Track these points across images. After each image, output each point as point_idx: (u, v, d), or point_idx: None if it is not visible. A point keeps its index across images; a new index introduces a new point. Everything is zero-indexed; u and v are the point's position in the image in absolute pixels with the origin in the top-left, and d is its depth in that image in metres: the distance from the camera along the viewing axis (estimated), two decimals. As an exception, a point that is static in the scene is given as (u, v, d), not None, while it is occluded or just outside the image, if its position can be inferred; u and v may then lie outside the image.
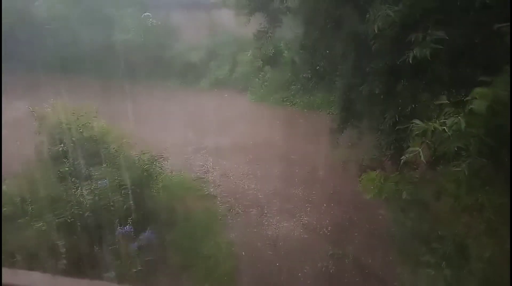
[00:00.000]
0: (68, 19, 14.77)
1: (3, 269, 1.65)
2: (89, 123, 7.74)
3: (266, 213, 8.57)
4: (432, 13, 4.89)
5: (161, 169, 8.23)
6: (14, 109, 12.12)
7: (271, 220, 8.34)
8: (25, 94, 12.93)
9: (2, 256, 5.81)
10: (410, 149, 3.07)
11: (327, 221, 8.28)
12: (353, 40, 6.49)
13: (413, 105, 5.62)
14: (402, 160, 3.30)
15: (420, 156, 2.99)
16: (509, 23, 3.27)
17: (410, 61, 4.80)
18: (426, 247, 6.08)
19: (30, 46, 14.82)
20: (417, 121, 3.15)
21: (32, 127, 7.75)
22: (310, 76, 9.01)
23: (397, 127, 5.27)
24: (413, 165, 5.45)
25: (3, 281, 1.57)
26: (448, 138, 2.95)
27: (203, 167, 10.40)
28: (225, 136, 11.69)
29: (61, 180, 6.94)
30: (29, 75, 15.12)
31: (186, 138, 11.64)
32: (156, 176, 7.95)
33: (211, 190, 9.36)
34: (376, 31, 5.15)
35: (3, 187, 6.99)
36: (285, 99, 14.29)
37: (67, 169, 7.05)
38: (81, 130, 7.49)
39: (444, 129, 2.90)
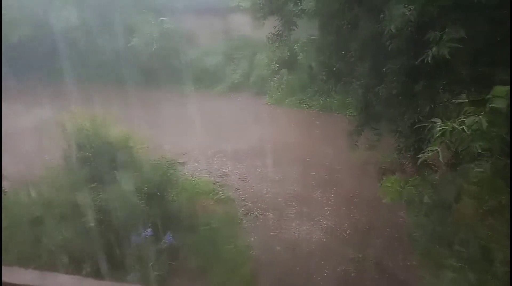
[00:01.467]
0: (87, 28, 15.13)
1: (10, 268, 1.70)
2: (109, 129, 7.89)
3: (284, 216, 8.54)
4: (449, 11, 4.82)
5: (180, 173, 8.32)
6: (36, 116, 12.50)
7: (290, 224, 8.30)
8: (47, 102, 13.25)
9: (29, 259, 5.97)
10: (429, 148, 3.01)
11: (347, 224, 8.19)
12: (369, 41, 6.43)
13: (432, 106, 5.53)
14: (419, 160, 3.24)
15: (439, 156, 2.93)
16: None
17: (429, 61, 4.73)
18: (448, 250, 5.94)
19: (50, 55, 15.25)
20: (437, 121, 3.09)
21: (54, 134, 7.94)
22: (326, 78, 8.97)
23: (416, 127, 5.18)
24: (433, 167, 5.36)
25: (3, 280, 1.62)
26: (468, 138, 2.89)
27: (221, 171, 10.46)
28: (242, 140, 11.74)
29: (82, 185, 7.08)
30: (50, 83, 15.56)
31: (204, 142, 11.73)
32: (175, 180, 8.05)
33: (230, 193, 9.39)
34: (393, 31, 5.10)
35: (26, 192, 7.19)
36: (301, 101, 14.26)
37: (88, 174, 7.21)
38: (101, 136, 7.63)
39: (463, 128, 2.83)
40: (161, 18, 16.27)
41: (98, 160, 7.42)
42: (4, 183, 7.25)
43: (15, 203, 7.04)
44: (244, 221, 8.47)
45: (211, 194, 9.30)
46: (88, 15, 15.35)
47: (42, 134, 8.22)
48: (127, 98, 13.68)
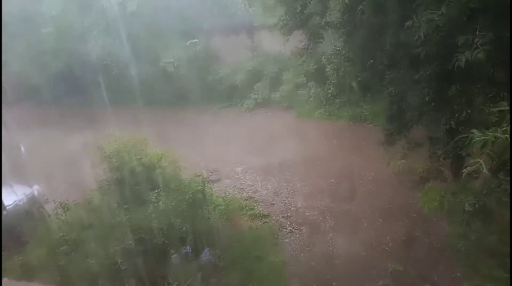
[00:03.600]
0: (120, 54, 15.77)
1: None
2: (143, 150, 8.12)
3: (320, 230, 8.42)
4: (480, 13, 4.70)
5: (213, 190, 8.42)
6: (75, 140, 13.07)
7: (326, 238, 8.17)
8: (85, 126, 13.87)
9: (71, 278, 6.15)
10: (471, 161, 2.90)
11: (385, 236, 7.96)
12: (398, 48, 6.35)
13: (468, 111, 5.35)
14: (463, 174, 3.11)
15: (482, 168, 2.81)
16: None
17: (462, 66, 4.62)
18: (495, 261, 5.65)
19: (88, 82, 15.97)
20: (476, 131, 2.98)
21: (93, 157, 8.24)
22: (355, 88, 8.88)
23: (456, 138, 5.02)
24: (474, 174, 5.14)
25: None
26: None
27: (254, 187, 10.49)
28: (273, 154, 11.75)
29: (120, 206, 7.29)
30: (87, 108, 16.29)
31: (236, 158, 11.85)
32: (208, 197, 8.14)
33: (263, 209, 9.38)
34: (422, 37, 5.03)
35: (67, 215, 7.48)
36: (331, 113, 14.17)
37: (125, 195, 7.42)
38: (138, 157, 7.86)
39: (506, 137, 2.71)
40: (190, 41, 16.76)
41: (135, 180, 7.64)
42: (48, 206, 7.60)
43: (58, 224, 7.35)
44: (279, 236, 8.41)
45: (244, 210, 9.33)
46: (121, 41, 16.01)
47: (82, 157, 8.56)
48: (161, 119, 14.11)
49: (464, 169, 3.08)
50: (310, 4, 8.71)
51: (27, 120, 15.73)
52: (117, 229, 6.82)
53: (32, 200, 8.95)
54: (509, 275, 5.25)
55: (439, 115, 5.93)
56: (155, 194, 7.37)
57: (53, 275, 6.46)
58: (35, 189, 9.33)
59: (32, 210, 8.64)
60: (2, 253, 7.47)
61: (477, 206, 4.75)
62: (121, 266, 6.32)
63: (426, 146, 6.89)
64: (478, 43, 4.45)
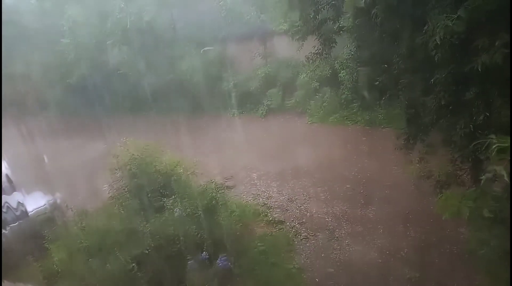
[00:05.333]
0: (137, 63, 16.06)
1: None
2: (160, 157, 8.23)
3: (335, 237, 8.35)
4: (499, 15, 4.63)
5: (228, 196, 8.44)
6: (93, 149, 13.34)
7: (342, 244, 8.09)
8: (103, 135, 14.12)
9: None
10: (489, 167, 2.85)
11: (403, 243, 7.84)
12: (413, 52, 6.30)
13: (486, 114, 5.26)
14: (482, 180, 3.06)
15: (504, 176, 2.74)
16: None
17: (479, 69, 4.55)
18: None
19: (105, 91, 16.29)
20: (494, 137, 2.92)
21: (110, 165, 8.40)
22: (370, 92, 8.82)
23: (474, 142, 4.94)
24: (493, 178, 5.04)
25: None
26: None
27: (268, 193, 10.48)
28: (287, 160, 11.74)
29: (137, 213, 7.39)
30: (104, 117, 16.59)
31: (250, 164, 11.87)
32: (223, 204, 8.17)
33: (278, 215, 9.36)
34: (438, 43, 4.98)
35: (87, 221, 7.63)
36: (345, 118, 14.09)
37: (142, 202, 7.53)
38: (153, 165, 7.97)
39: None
40: (204, 48, 16.96)
41: (151, 188, 7.74)
42: (69, 213, 7.77)
43: (78, 231, 7.49)
44: (295, 242, 8.37)
45: (260, 216, 9.32)
46: (137, 51, 16.30)
47: (100, 165, 8.73)
48: (176, 126, 14.28)
49: (483, 176, 3.02)
50: (323, 9, 8.74)
51: (48, 130, 16.15)
52: (135, 236, 6.91)
53: (54, 207, 9.21)
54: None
55: (456, 119, 5.84)
56: (171, 201, 7.46)
57: (74, 281, 6.57)
58: (57, 197, 9.60)
59: (54, 217, 8.87)
60: (25, 258, 7.70)
61: (497, 211, 4.65)
62: (139, 272, 6.40)
63: (443, 150, 6.78)
64: (497, 46, 4.39)
